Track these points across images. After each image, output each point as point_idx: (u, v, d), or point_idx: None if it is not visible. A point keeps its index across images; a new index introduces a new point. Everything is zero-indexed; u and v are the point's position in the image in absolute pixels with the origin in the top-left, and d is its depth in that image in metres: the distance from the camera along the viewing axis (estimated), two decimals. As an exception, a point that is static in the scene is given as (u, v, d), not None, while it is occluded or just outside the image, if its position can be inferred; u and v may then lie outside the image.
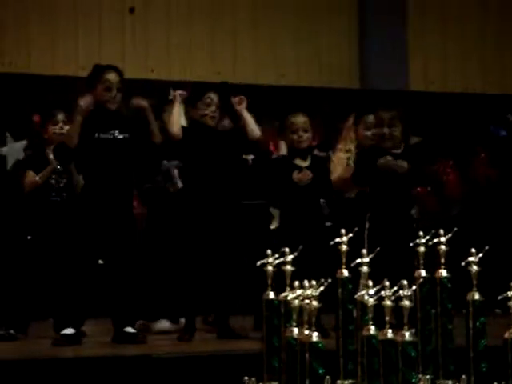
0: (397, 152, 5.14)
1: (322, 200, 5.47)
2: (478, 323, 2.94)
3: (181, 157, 5.41)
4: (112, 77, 5.04)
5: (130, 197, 5.16)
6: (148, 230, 5.87)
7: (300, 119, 5.32)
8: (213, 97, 5.25)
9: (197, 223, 5.12)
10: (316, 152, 5.68)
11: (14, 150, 7.71)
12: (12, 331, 5.25)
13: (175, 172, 5.74)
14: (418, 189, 8.00)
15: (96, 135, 4.97)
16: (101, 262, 5.02)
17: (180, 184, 5.69)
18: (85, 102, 4.97)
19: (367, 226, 5.00)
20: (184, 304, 5.24)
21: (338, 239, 2.99)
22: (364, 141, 5.64)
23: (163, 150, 5.78)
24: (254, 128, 5.25)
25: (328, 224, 5.53)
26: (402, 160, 5.04)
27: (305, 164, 5.32)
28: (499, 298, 2.82)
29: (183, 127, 5.29)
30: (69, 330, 4.81)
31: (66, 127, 5.54)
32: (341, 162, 5.77)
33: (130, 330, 4.89)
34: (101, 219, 4.92)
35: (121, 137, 5.01)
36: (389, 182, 5.03)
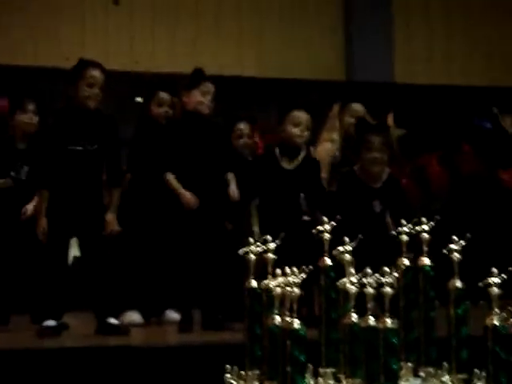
0: (374, 186, 5.05)
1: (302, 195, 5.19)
2: (459, 311, 2.94)
3: (169, 144, 5.18)
4: (97, 73, 4.92)
5: (100, 189, 4.97)
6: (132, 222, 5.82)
7: (305, 115, 5.16)
8: (210, 87, 5.18)
9: (185, 214, 5.05)
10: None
11: None
12: None
13: None
14: (403, 180, 8.01)
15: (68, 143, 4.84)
16: (78, 254, 4.96)
17: None
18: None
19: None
20: (181, 296, 5.21)
21: (320, 227, 2.99)
22: (349, 129, 5.63)
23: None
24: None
25: (306, 218, 5.30)
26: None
27: (290, 167, 5.17)
28: (480, 284, 2.82)
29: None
30: (50, 322, 4.77)
31: (36, 118, 5.57)
32: (324, 153, 5.71)
33: (113, 321, 4.86)
34: (70, 212, 4.82)
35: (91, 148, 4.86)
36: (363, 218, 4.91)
